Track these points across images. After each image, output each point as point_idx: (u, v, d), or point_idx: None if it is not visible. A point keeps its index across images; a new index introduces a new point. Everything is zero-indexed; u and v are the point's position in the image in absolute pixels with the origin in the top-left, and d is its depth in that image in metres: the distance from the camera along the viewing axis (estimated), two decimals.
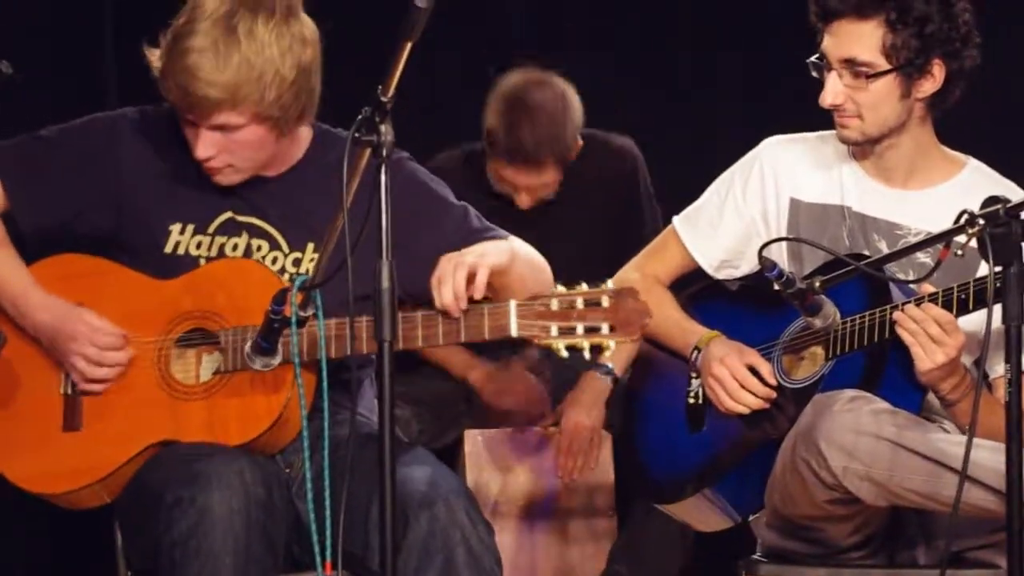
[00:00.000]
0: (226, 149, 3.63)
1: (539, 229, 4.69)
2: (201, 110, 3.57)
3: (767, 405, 3.87)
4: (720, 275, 4.06)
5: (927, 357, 3.63)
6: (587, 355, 3.41)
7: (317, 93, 3.64)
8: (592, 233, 4.84)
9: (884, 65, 3.80)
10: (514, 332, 3.39)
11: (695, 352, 3.96)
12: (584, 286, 3.39)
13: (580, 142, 4.82)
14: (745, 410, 3.88)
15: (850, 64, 3.81)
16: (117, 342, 3.65)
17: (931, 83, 3.83)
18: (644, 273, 4.08)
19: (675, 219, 4.10)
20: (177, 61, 3.55)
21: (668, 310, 4.05)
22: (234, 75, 3.53)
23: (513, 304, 3.39)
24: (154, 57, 3.64)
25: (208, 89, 3.54)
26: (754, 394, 3.88)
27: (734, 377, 3.89)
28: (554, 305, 3.37)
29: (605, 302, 3.37)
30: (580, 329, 3.36)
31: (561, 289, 3.41)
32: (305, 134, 3.76)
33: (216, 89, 3.54)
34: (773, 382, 3.87)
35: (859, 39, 3.80)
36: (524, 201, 4.85)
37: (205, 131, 3.61)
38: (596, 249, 4.74)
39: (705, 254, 4.05)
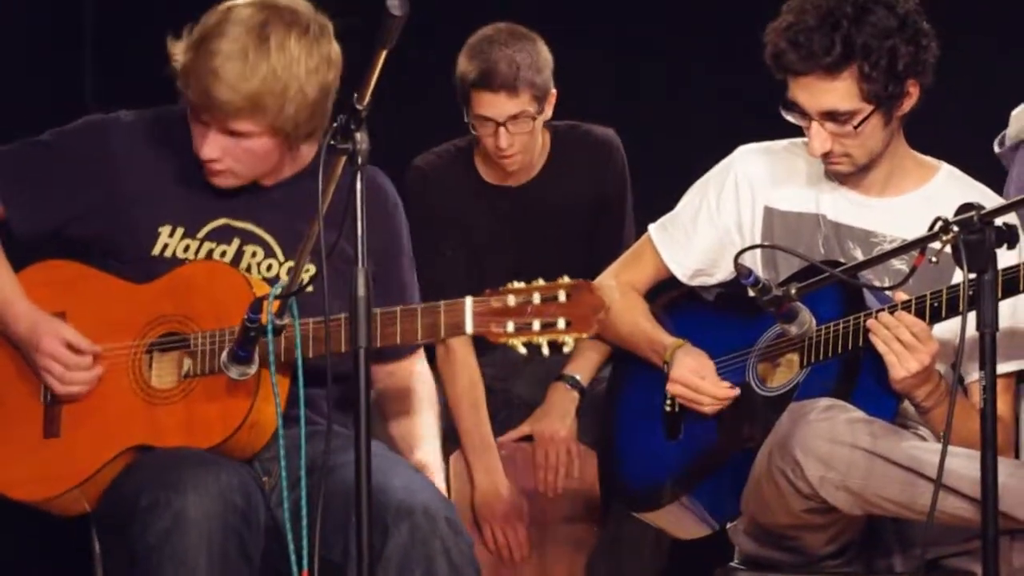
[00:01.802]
0: (232, 154, 3.65)
1: (522, 216, 4.80)
2: (219, 114, 3.59)
3: (723, 404, 3.89)
4: (695, 283, 4.08)
5: (900, 365, 3.65)
6: (545, 351, 3.36)
7: (329, 115, 3.66)
8: (572, 219, 4.79)
9: (867, 108, 3.81)
10: (469, 329, 3.36)
11: (665, 365, 3.99)
12: (540, 281, 3.37)
13: (555, 91, 4.75)
14: (712, 409, 3.90)
15: (831, 115, 3.82)
16: (84, 361, 3.66)
17: (909, 101, 3.85)
18: (620, 280, 4.09)
19: (651, 227, 4.13)
20: (203, 61, 3.56)
21: (639, 319, 4.08)
22: (259, 85, 3.55)
23: (469, 300, 3.37)
24: (177, 50, 3.64)
25: (231, 94, 3.55)
26: (708, 395, 3.91)
27: (687, 386, 3.92)
28: (510, 301, 3.35)
29: (561, 297, 3.34)
30: (536, 325, 3.33)
31: (518, 285, 3.38)
32: (308, 149, 3.77)
33: (238, 96, 3.55)
34: (730, 393, 3.89)
35: (834, 93, 3.80)
36: (505, 145, 4.71)
37: (215, 133, 3.63)
38: (576, 235, 4.74)
39: (679, 263, 4.07)
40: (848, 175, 3.91)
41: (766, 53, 3.85)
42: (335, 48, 3.64)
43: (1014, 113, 4.09)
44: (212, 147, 3.64)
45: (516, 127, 4.64)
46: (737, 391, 3.92)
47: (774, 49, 3.82)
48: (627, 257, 4.19)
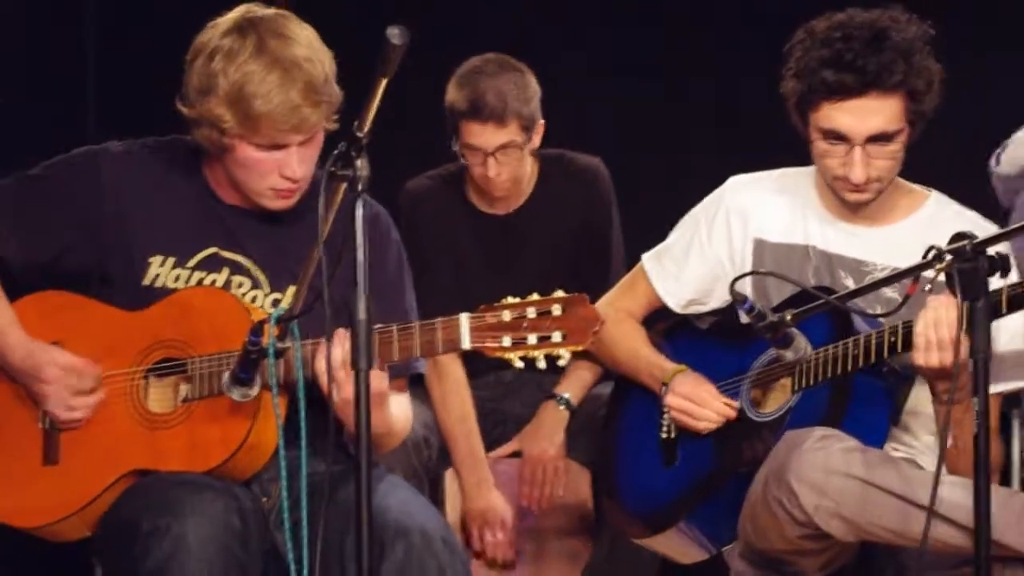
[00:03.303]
0: (308, 161, 3.68)
1: (511, 240, 4.86)
2: (307, 128, 3.61)
3: (722, 421, 3.92)
4: (688, 311, 4.12)
5: (924, 353, 3.63)
6: (541, 364, 3.40)
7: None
8: (559, 245, 4.86)
9: (906, 128, 3.85)
10: (466, 344, 3.39)
11: (663, 387, 4.03)
12: (536, 296, 3.40)
13: (541, 123, 4.82)
14: (709, 428, 3.94)
15: (878, 137, 3.84)
16: (86, 385, 3.67)
17: (924, 120, 3.88)
18: (616, 308, 4.14)
19: (644, 257, 4.17)
20: (263, 103, 3.57)
21: (638, 346, 4.13)
22: (319, 78, 3.58)
23: (465, 317, 3.39)
24: (210, 113, 3.61)
25: (309, 109, 3.58)
26: (709, 411, 3.94)
27: (689, 400, 3.96)
28: (506, 316, 3.38)
29: (556, 311, 3.37)
30: (532, 339, 3.36)
31: (513, 300, 3.42)
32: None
33: (314, 99, 3.58)
34: (730, 412, 3.92)
35: (884, 113, 3.82)
36: (493, 174, 4.77)
37: (298, 149, 3.64)
38: (563, 261, 4.79)
39: (672, 294, 4.12)
40: (865, 204, 3.91)
41: (801, 85, 3.84)
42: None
43: (1015, 138, 4.14)
44: (303, 164, 3.67)
45: (504, 156, 4.71)
46: (737, 405, 3.95)
47: (821, 78, 3.81)
48: (622, 285, 4.23)
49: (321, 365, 3.44)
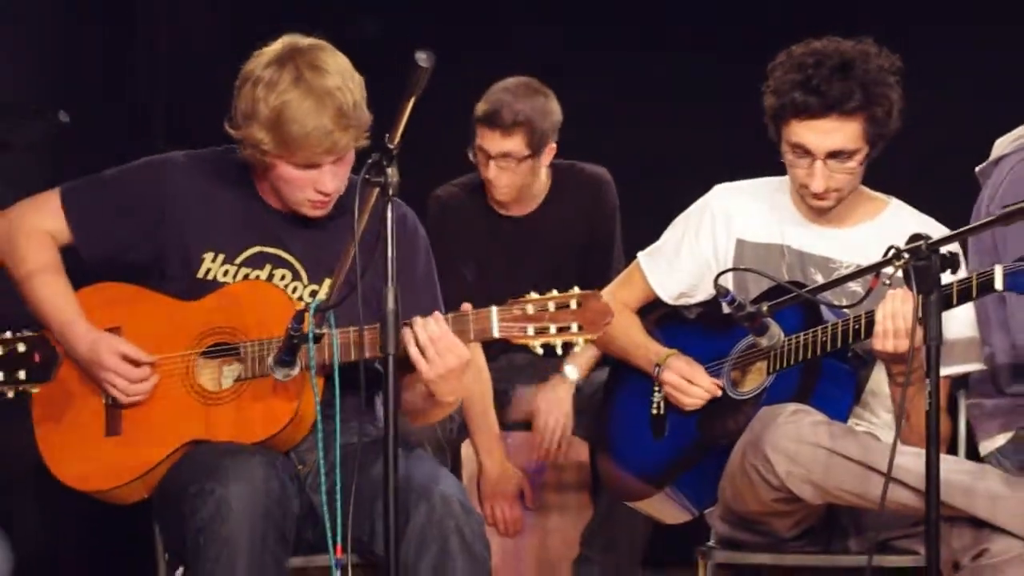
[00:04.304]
0: (340, 176, 3.78)
1: (526, 240, 5.07)
2: (339, 150, 3.72)
3: (710, 397, 4.04)
4: (678, 303, 4.25)
5: (884, 339, 3.73)
6: (559, 351, 3.55)
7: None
8: (567, 244, 4.99)
9: (865, 148, 3.97)
10: (496, 333, 3.51)
11: (656, 368, 4.17)
12: (555, 292, 3.52)
13: (554, 145, 4.92)
14: (697, 404, 4.07)
15: (836, 154, 3.94)
16: (143, 374, 3.77)
17: (884, 142, 4.00)
18: (615, 299, 4.21)
19: (640, 255, 4.30)
20: (299, 129, 3.66)
21: (634, 334, 4.25)
22: (350, 105, 3.68)
23: (495, 309, 3.52)
24: (252, 137, 3.71)
25: (342, 133, 3.69)
26: (701, 387, 4.07)
27: (683, 378, 4.10)
28: (530, 309, 3.51)
29: (573, 304, 3.51)
30: (553, 329, 3.49)
31: (535, 295, 3.53)
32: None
33: (346, 127, 3.69)
34: (717, 390, 4.05)
35: (843, 133, 3.93)
36: (493, 176, 4.86)
37: (331, 167, 3.74)
38: (570, 257, 4.95)
39: (665, 287, 4.25)
40: (827, 210, 4.04)
41: (773, 101, 3.96)
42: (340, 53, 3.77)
43: (998, 142, 4.13)
44: (335, 180, 3.77)
45: (503, 163, 4.90)
46: (722, 383, 4.07)
47: (790, 98, 3.92)
48: (621, 279, 4.35)
49: (414, 348, 3.53)
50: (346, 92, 3.70)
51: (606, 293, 4.27)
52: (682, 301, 4.26)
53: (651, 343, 4.22)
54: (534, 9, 5.79)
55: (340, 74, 3.72)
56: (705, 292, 4.20)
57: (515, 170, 4.93)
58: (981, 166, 4.12)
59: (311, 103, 3.69)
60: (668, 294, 4.26)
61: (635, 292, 4.31)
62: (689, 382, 4.08)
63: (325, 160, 3.75)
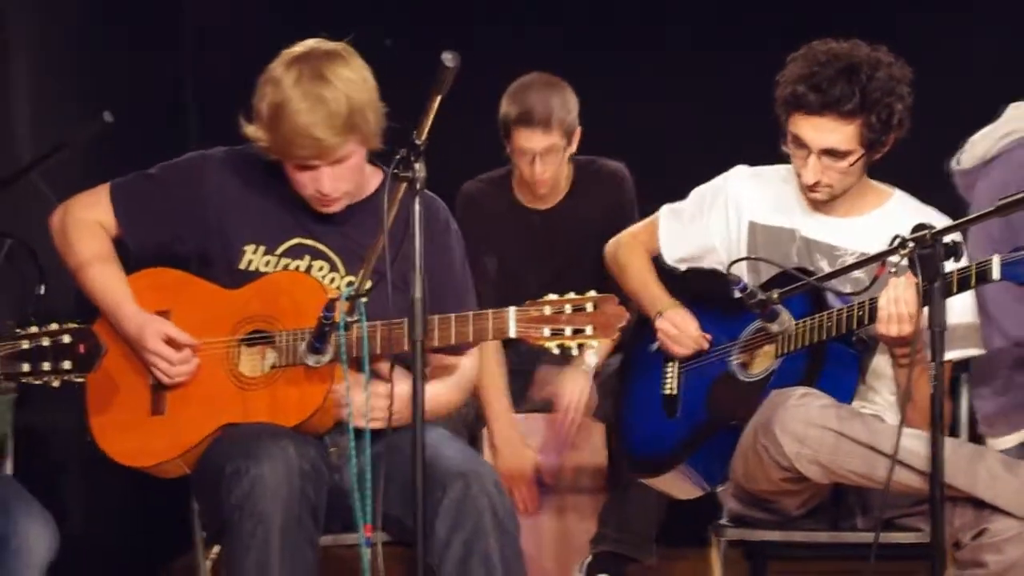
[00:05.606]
0: (342, 179, 3.82)
1: (549, 231, 5.13)
2: (330, 153, 3.75)
3: (698, 348, 4.14)
4: (678, 267, 4.33)
5: (887, 324, 3.78)
6: (574, 352, 3.59)
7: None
8: (590, 234, 4.98)
9: (860, 151, 4.00)
10: (512, 333, 3.55)
11: (657, 315, 4.26)
12: (572, 295, 3.54)
13: (579, 131, 4.97)
14: (685, 352, 4.16)
15: (830, 152, 4.00)
16: (184, 356, 3.85)
17: (884, 149, 4.06)
18: (637, 240, 4.37)
19: (663, 209, 4.37)
20: (292, 129, 3.70)
21: (647, 277, 4.34)
22: (346, 112, 3.71)
23: (512, 310, 3.56)
24: (257, 134, 3.77)
25: (333, 136, 3.73)
26: (690, 337, 4.16)
27: (674, 326, 4.19)
28: (546, 311, 3.54)
29: (589, 308, 3.53)
30: (568, 331, 3.52)
31: (553, 297, 3.55)
32: (374, 175, 3.97)
33: (337, 131, 3.72)
34: (704, 343, 4.13)
35: (839, 134, 3.97)
36: (539, 172, 4.91)
37: (327, 168, 3.79)
38: (591, 248, 4.88)
39: (670, 249, 4.34)
40: (823, 202, 4.12)
41: (781, 91, 4.00)
42: (360, 61, 3.81)
43: (972, 139, 4.18)
44: (332, 182, 3.80)
45: (548, 157, 4.99)
46: (709, 337, 4.16)
47: (793, 90, 3.97)
48: (644, 224, 4.44)
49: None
50: (341, 99, 3.71)
51: (628, 231, 4.42)
52: (683, 266, 4.33)
53: (661, 291, 4.29)
54: (534, 9, 5.87)
55: (342, 80, 3.74)
56: (706, 264, 4.28)
57: (557, 162, 4.99)
58: (964, 167, 4.15)
59: (305, 105, 3.72)
60: (670, 255, 4.34)
61: (650, 240, 4.39)
62: (680, 332, 4.15)
63: (316, 162, 3.78)
